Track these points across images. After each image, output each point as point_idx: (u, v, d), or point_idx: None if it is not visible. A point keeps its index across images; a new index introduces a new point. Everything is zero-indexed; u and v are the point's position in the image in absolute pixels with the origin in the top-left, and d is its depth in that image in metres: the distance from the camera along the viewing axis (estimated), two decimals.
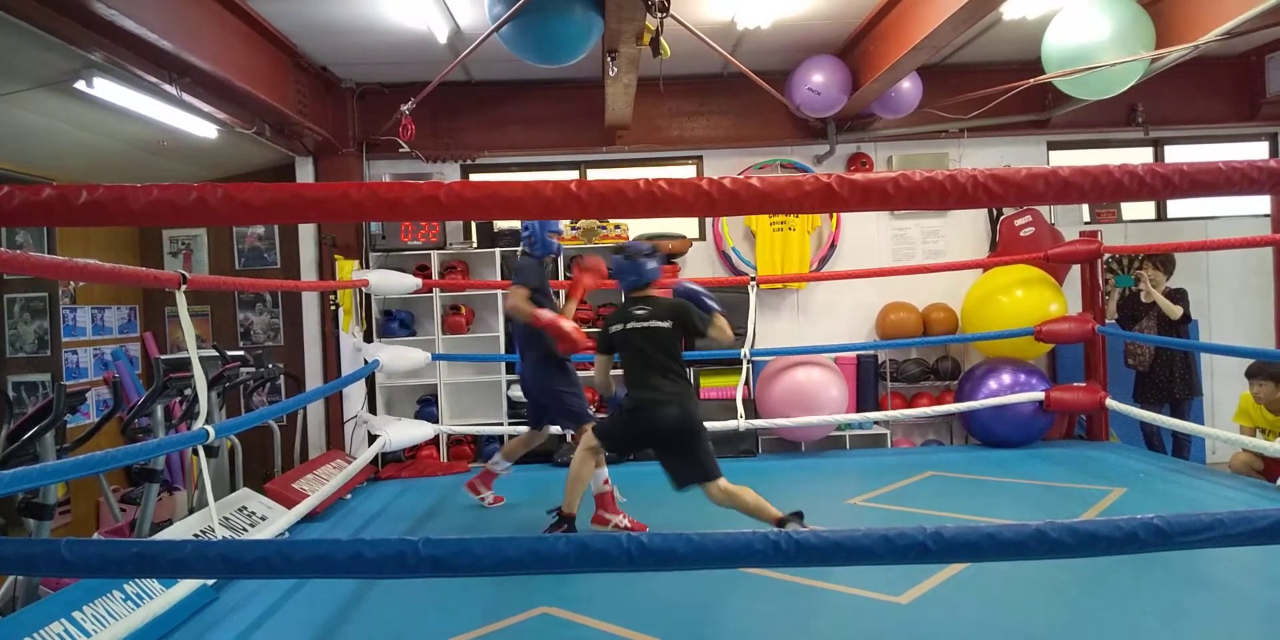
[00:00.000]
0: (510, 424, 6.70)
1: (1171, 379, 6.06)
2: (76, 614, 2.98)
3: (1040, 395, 6.29)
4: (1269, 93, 7.00)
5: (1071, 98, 6.37)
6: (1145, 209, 7.50)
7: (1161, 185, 2.03)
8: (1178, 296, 6.07)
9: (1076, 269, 6.65)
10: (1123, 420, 6.30)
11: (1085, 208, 7.40)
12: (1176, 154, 7.53)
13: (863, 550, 1.94)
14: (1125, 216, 7.42)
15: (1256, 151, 7.53)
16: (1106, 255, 6.50)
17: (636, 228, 6.96)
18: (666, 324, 4.05)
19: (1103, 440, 6.49)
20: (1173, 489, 4.98)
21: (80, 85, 4.60)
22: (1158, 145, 7.46)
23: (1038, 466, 5.78)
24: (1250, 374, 5.14)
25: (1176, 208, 7.46)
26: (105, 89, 4.69)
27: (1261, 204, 7.20)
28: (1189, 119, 7.19)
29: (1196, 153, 7.50)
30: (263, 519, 4.56)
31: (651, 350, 4.03)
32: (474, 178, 7.34)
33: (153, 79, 4.63)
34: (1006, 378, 6.45)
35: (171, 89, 4.76)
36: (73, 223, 1.90)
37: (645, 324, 4.06)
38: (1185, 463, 5.85)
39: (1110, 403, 6.16)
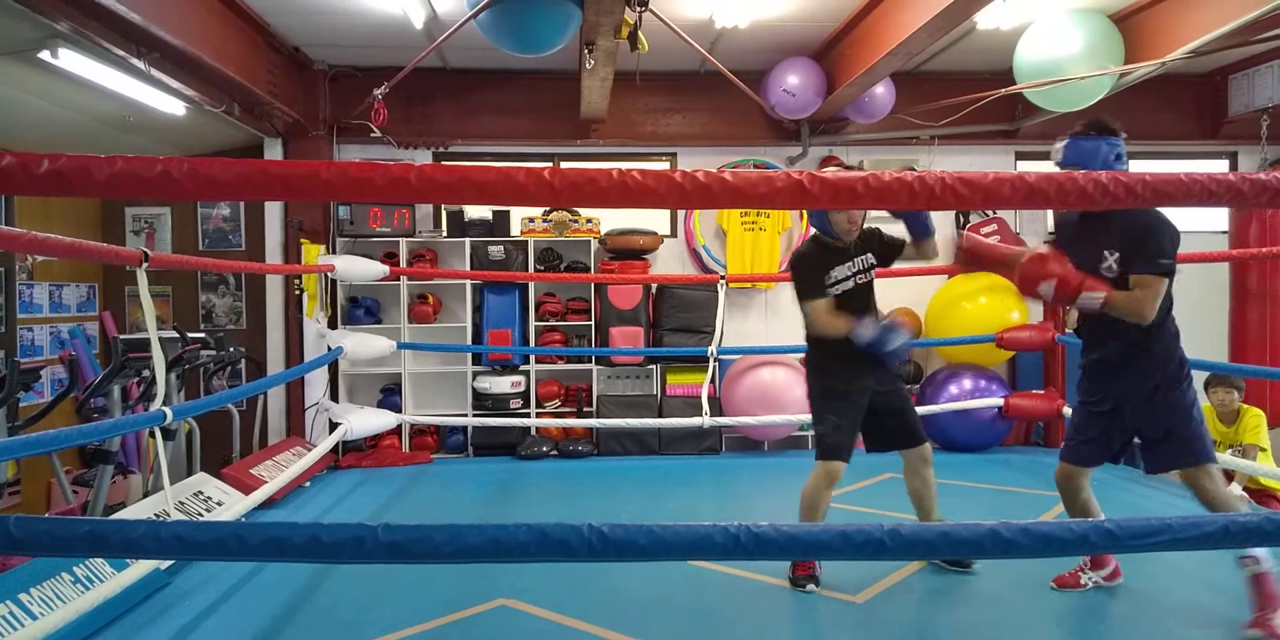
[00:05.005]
0: (475, 415, 6.66)
1: None
2: (23, 596, 2.92)
3: (999, 401, 6.39)
4: (1231, 112, 7.16)
5: (1040, 109, 6.46)
6: None
7: (1124, 194, 2.06)
8: None
9: None
10: None
11: (1049, 217, 7.51)
12: (1140, 169, 7.66)
13: (821, 545, 1.96)
14: None
15: (1217, 169, 7.70)
16: None
17: (608, 221, 6.94)
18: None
19: (1059, 447, 6.59)
20: (1125, 496, 5.07)
21: (45, 56, 4.47)
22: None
23: (995, 471, 5.87)
24: (1210, 383, 5.24)
25: None
26: (71, 61, 4.58)
27: (1220, 221, 7.37)
28: (1153, 135, 7.32)
29: (1160, 168, 7.64)
30: (219, 504, 4.49)
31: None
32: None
33: (120, 52, 4.52)
34: (967, 383, 6.54)
35: (139, 63, 4.66)
36: (32, 192, 1.85)
37: None
38: (1138, 471, 5.94)
39: (1067, 410, 6.26)
